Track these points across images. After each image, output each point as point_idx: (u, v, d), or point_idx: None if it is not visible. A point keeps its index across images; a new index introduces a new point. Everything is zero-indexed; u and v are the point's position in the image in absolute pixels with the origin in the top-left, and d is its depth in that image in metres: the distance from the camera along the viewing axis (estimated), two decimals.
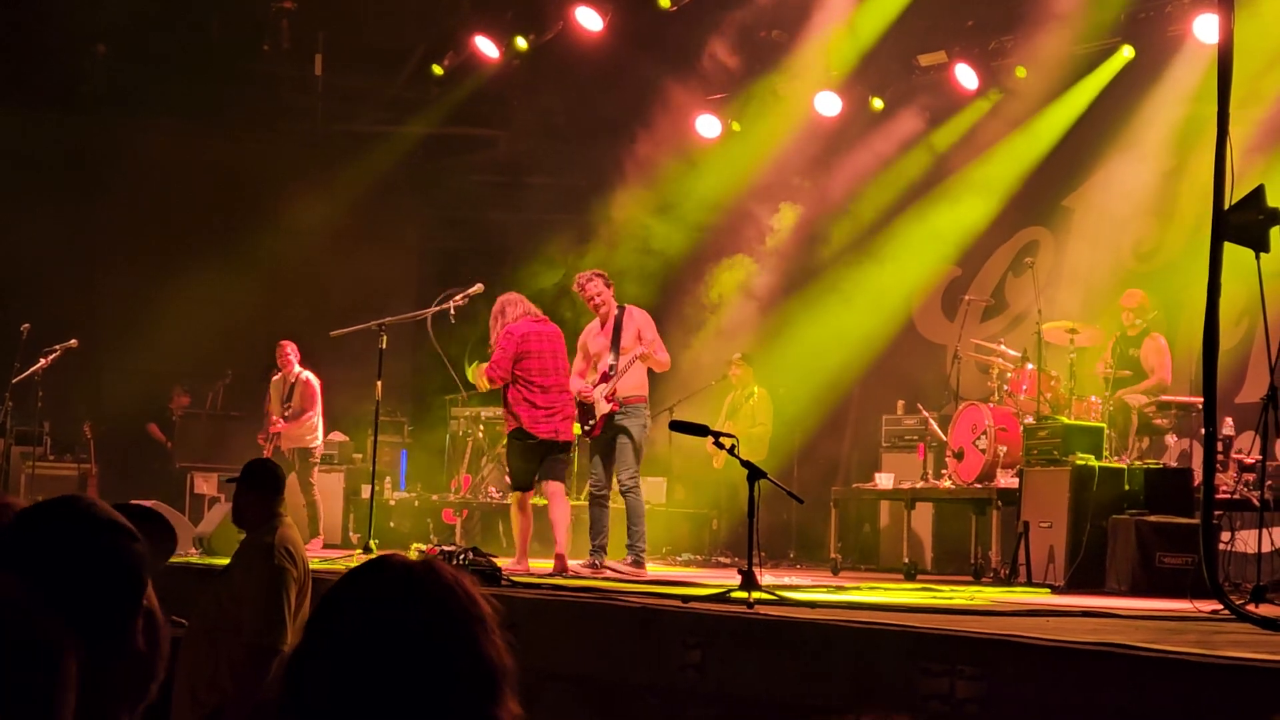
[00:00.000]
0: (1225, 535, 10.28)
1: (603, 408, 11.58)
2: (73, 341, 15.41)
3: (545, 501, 11.86)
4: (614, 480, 11.80)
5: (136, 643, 2.38)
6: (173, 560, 12.41)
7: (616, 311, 11.77)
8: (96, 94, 19.92)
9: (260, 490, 7.34)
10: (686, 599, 7.85)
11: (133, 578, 2.39)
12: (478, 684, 2.22)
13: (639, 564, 11.44)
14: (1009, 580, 11.50)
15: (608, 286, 11.81)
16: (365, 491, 14.60)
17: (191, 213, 19.77)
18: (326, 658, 2.20)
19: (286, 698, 2.22)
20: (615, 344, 11.63)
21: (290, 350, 15.22)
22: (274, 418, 15.00)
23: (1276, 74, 13.96)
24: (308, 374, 15.14)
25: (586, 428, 11.78)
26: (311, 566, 7.51)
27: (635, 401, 11.62)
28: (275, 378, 15.35)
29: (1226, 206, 7.03)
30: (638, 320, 11.70)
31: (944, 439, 13.72)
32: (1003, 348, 13.51)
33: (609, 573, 11.13)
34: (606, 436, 11.66)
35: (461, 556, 9.85)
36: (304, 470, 15.07)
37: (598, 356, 11.76)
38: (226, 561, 8.05)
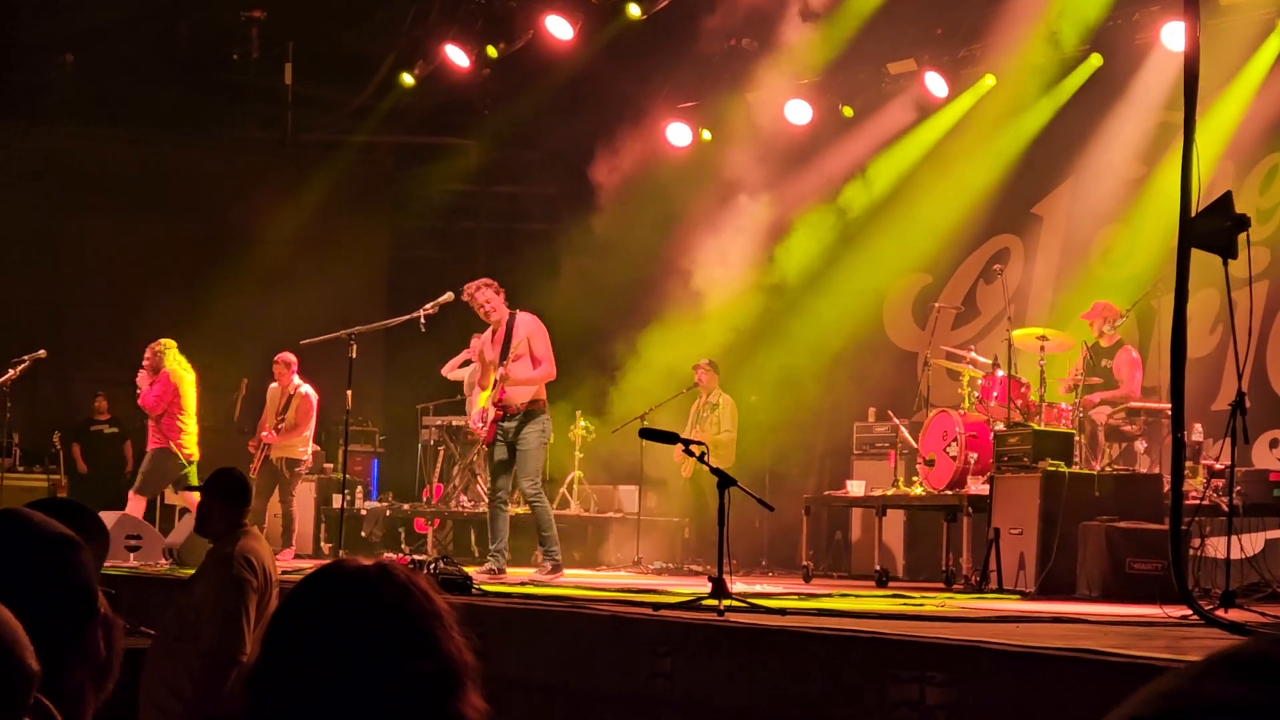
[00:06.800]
0: (1195, 541, 10.29)
1: (490, 413, 11.93)
2: (41, 352, 15.32)
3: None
4: (514, 488, 12.30)
5: (98, 650, 2.37)
6: (142, 571, 12.39)
7: (507, 318, 12.02)
8: (64, 104, 19.85)
9: (226, 500, 7.27)
10: (657, 607, 7.83)
11: (82, 590, 2.37)
12: (439, 681, 2.21)
13: (557, 569, 11.72)
14: (980, 587, 11.51)
15: (497, 294, 12.06)
16: (337, 501, 14.57)
17: (160, 223, 19.69)
18: (285, 666, 2.19)
19: (247, 709, 2.21)
20: (505, 351, 11.92)
21: (288, 363, 15.12)
22: (266, 428, 14.92)
23: (1243, 81, 14.03)
24: (306, 388, 15.06)
25: (480, 434, 12.24)
26: (282, 577, 7.46)
27: (528, 408, 11.89)
28: (272, 388, 15.27)
29: (1194, 213, 7.05)
30: (527, 328, 11.98)
31: (915, 446, 13.72)
32: (973, 355, 13.53)
33: (527, 578, 11.43)
34: (500, 443, 11.97)
35: (432, 565, 9.82)
36: (289, 480, 15.01)
37: (492, 364, 12.06)
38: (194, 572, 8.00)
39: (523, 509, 13.26)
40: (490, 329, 12.15)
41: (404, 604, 2.22)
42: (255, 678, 2.23)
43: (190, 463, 14.48)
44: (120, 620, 2.47)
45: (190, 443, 14.58)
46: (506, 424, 11.88)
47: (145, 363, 14.60)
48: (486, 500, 12.56)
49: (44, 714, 2.16)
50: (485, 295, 11.96)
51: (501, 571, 11.73)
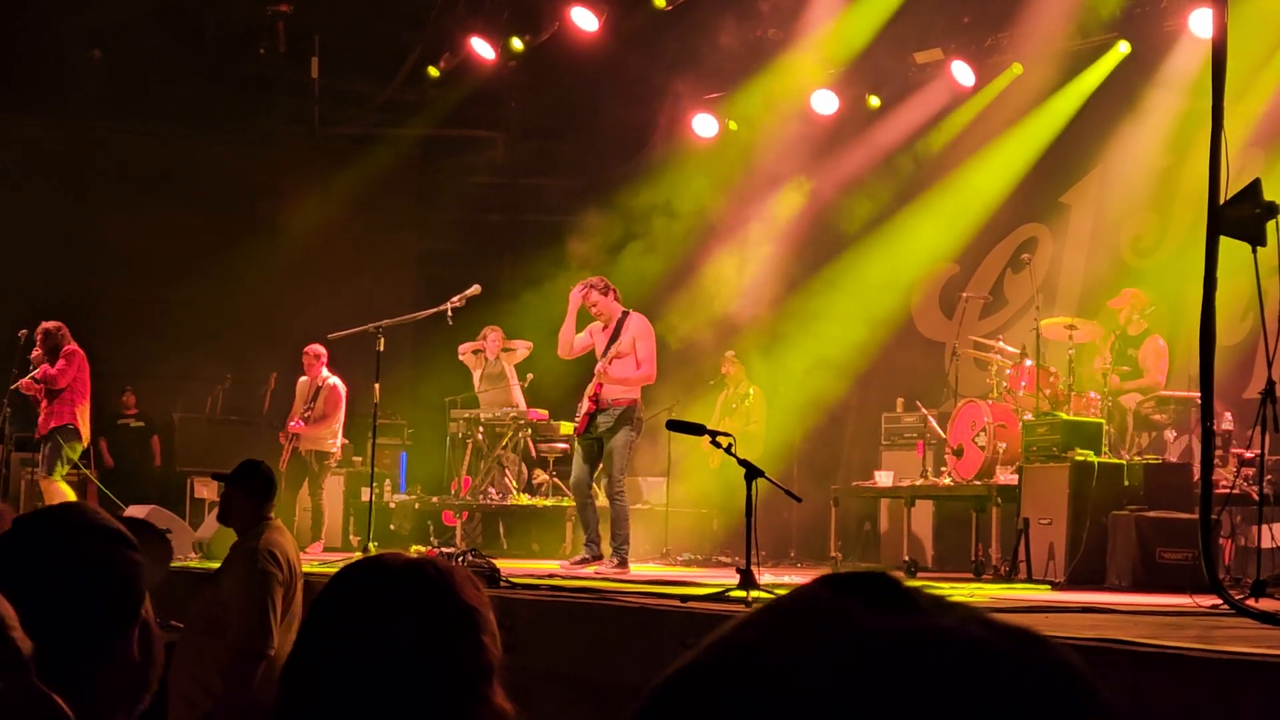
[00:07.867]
0: (1225, 530, 10.25)
1: (584, 406, 12.05)
2: None
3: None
4: (594, 481, 12.43)
5: (131, 653, 2.37)
6: (171, 564, 12.42)
7: (619, 316, 12.14)
8: (92, 99, 19.91)
9: (250, 492, 7.28)
10: (685, 599, 7.83)
11: (129, 587, 2.37)
12: (473, 675, 2.21)
13: (624, 565, 11.84)
14: (1009, 577, 11.48)
15: (604, 294, 12.16)
16: (365, 494, 14.59)
17: (188, 217, 19.74)
18: (326, 655, 2.19)
19: (283, 698, 2.21)
20: (610, 346, 12.01)
21: (317, 355, 15.16)
22: (295, 419, 14.97)
23: (1273, 68, 13.96)
24: (335, 380, 15.11)
25: (575, 424, 12.38)
26: (310, 570, 7.48)
27: (619, 404, 11.99)
28: (301, 380, 15.34)
29: (1222, 201, 7.01)
30: (634, 329, 12.11)
31: (943, 436, 13.69)
32: (1001, 344, 13.48)
33: (593, 572, 11.44)
34: (590, 436, 12.12)
35: (461, 558, 9.83)
36: (318, 474, 15.05)
37: (598, 352, 12.19)
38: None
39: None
40: (602, 324, 12.27)
41: (447, 599, 2.23)
42: (293, 666, 2.23)
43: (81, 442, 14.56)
44: (161, 634, 2.47)
45: (87, 423, 14.62)
46: (600, 418, 12.02)
47: (40, 344, 14.52)
48: (570, 493, 12.70)
49: (54, 710, 2.16)
50: (593, 297, 12.14)
51: (598, 558, 11.87)
